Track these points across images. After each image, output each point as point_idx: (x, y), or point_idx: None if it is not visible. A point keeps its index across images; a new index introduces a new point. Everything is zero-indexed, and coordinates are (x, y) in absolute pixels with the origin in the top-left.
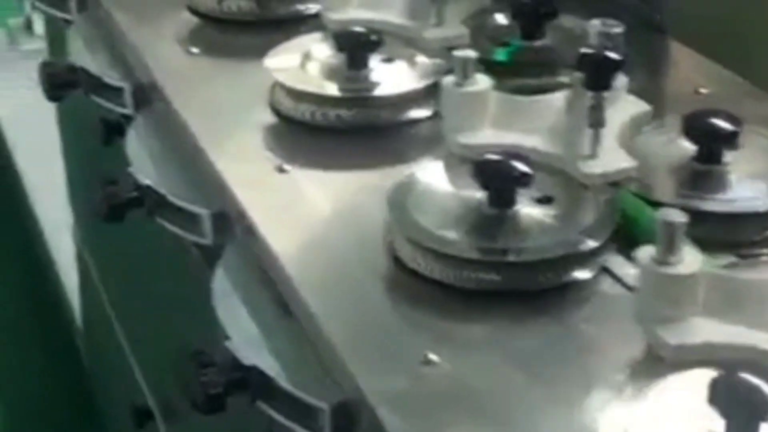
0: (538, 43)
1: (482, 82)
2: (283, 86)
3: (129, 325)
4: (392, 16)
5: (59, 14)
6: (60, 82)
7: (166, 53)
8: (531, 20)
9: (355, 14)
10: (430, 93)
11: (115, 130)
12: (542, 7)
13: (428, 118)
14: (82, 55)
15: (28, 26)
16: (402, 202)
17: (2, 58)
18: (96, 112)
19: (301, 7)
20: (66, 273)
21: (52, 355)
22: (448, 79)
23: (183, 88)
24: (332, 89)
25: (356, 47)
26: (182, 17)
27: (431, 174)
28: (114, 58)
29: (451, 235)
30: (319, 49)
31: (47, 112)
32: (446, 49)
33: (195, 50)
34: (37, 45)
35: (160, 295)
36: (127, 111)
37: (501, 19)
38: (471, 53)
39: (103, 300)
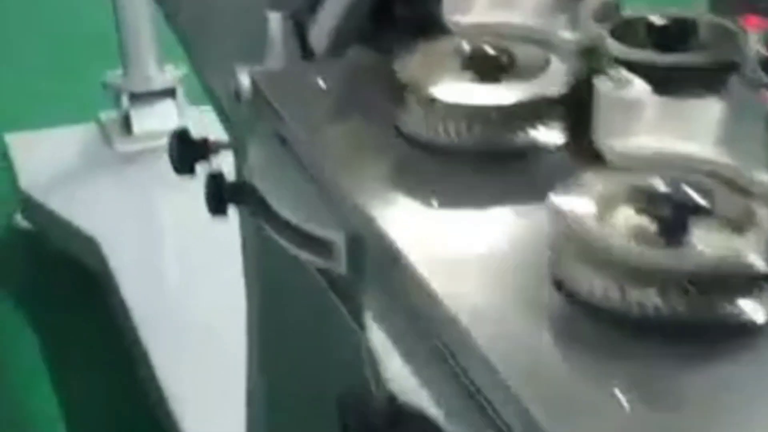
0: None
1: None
2: None
3: None
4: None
5: (318, 263)
6: (386, 422)
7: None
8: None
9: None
10: None
11: None
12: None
13: None
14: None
15: (126, 123)
16: None
17: (94, 160)
18: None
19: None
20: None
21: None
22: None
23: None
24: None
25: None
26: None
27: None
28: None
29: None
30: None
31: (147, 226)
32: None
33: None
34: (136, 146)
35: None
36: None
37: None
38: None
39: None
